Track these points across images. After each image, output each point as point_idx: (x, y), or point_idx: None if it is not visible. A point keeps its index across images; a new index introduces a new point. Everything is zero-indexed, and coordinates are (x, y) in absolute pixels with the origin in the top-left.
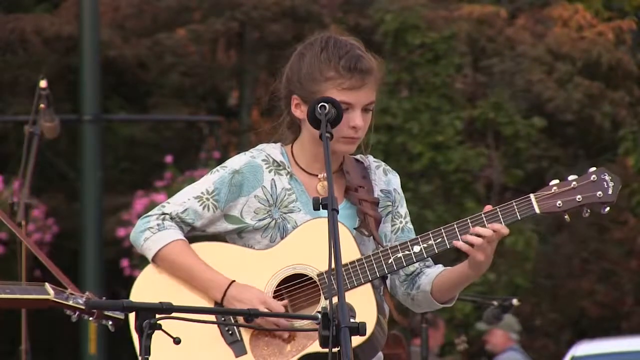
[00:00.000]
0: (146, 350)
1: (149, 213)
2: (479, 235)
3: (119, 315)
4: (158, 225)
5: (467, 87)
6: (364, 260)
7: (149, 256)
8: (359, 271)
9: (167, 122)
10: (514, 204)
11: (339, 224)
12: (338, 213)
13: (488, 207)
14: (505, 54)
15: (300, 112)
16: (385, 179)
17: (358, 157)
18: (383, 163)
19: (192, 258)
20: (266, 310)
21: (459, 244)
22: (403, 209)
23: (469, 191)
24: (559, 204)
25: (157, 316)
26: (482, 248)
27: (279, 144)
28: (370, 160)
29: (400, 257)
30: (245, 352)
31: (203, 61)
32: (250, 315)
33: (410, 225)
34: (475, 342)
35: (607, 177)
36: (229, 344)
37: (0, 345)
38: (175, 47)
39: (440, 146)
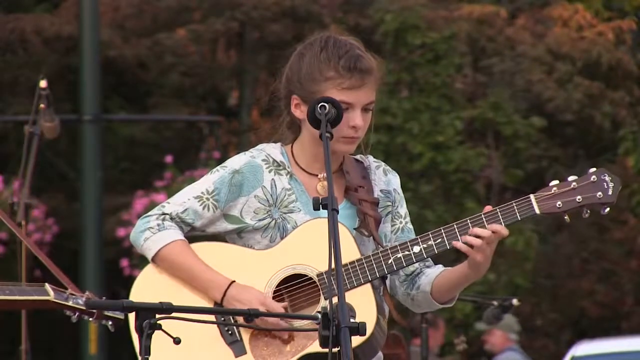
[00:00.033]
0: (146, 350)
1: (149, 213)
2: (478, 236)
3: (119, 315)
4: (158, 225)
5: (467, 87)
6: (363, 261)
7: (149, 256)
8: (359, 271)
9: (167, 122)
10: (514, 204)
11: (338, 224)
12: (338, 213)
13: (488, 208)
14: (505, 54)
15: (300, 112)
16: (385, 179)
17: (358, 157)
18: (383, 163)
19: (192, 258)
20: (266, 311)
21: (458, 244)
22: (403, 209)
23: (469, 191)
24: (559, 205)
25: (157, 316)
26: (481, 249)
27: (279, 144)
28: (370, 160)
29: (400, 257)
30: (244, 352)
31: (203, 61)
32: (250, 316)
33: (410, 226)
34: (475, 342)
35: (607, 178)
36: (229, 344)
37: (0, 345)
38: (175, 47)
39: (440, 146)
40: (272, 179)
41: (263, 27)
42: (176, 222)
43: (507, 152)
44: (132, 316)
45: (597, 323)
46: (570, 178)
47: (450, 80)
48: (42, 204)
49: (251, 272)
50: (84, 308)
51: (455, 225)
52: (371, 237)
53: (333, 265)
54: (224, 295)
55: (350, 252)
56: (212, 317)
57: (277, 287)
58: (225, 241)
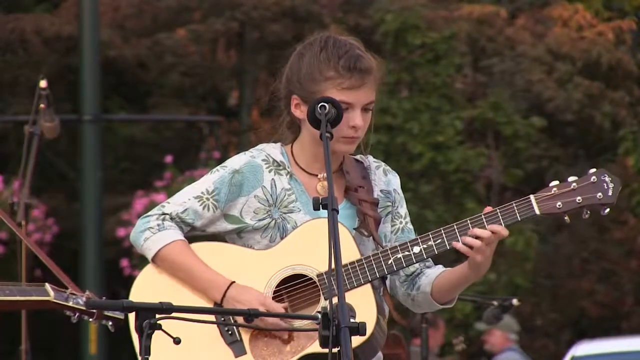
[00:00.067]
0: (146, 350)
1: (149, 213)
2: (477, 237)
3: (119, 315)
4: (158, 225)
5: (467, 87)
6: (363, 261)
7: (149, 256)
8: (359, 272)
9: (167, 122)
10: (514, 205)
11: (338, 224)
12: (338, 213)
13: (488, 209)
14: (505, 54)
15: (300, 112)
16: (385, 179)
17: (358, 157)
18: (383, 163)
19: (192, 258)
20: (266, 311)
21: (458, 245)
22: (403, 210)
23: (469, 191)
24: (559, 205)
25: (157, 316)
26: (481, 250)
27: (279, 144)
28: (370, 161)
29: (400, 257)
30: (244, 353)
31: (203, 61)
32: (250, 316)
33: (410, 226)
34: (475, 342)
35: (607, 179)
36: (229, 344)
37: (0, 345)
38: (175, 47)
39: (440, 146)
40: (272, 179)
41: (263, 27)
42: (176, 222)
43: (507, 152)
44: (132, 316)
45: (597, 323)
46: (570, 179)
47: (450, 80)
48: (42, 204)
49: (251, 273)
50: (84, 308)
51: (455, 226)
52: (371, 237)
53: (333, 266)
54: (224, 295)
55: (350, 252)
56: (212, 317)
57: (276, 287)
58: (225, 241)
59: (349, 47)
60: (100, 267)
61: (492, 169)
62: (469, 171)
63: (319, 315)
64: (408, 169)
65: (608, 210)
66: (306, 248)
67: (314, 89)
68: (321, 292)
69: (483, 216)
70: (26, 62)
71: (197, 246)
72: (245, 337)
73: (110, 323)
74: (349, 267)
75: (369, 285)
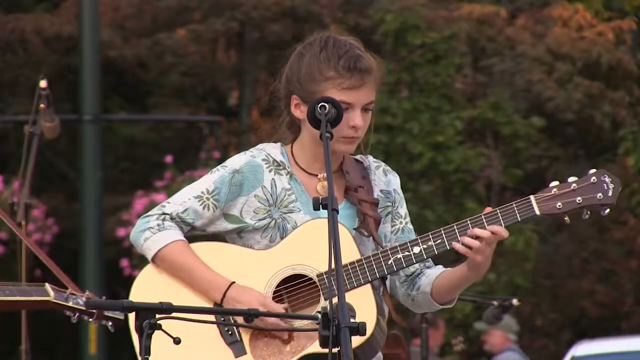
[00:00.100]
0: (146, 350)
1: (149, 213)
2: (477, 237)
3: (119, 315)
4: (158, 225)
5: (467, 87)
6: (363, 261)
7: (149, 256)
8: (359, 272)
9: (167, 122)
10: (514, 205)
11: (338, 224)
12: (338, 213)
13: (488, 209)
14: (505, 54)
15: (300, 112)
16: (385, 180)
17: (358, 157)
18: (383, 163)
19: (192, 258)
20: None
21: (457, 246)
22: (403, 210)
23: (469, 191)
24: (559, 206)
25: (157, 316)
26: (480, 250)
27: (279, 144)
28: (370, 161)
29: (400, 258)
30: (244, 353)
31: (203, 61)
32: (250, 316)
33: (410, 226)
34: (475, 342)
35: (607, 179)
36: (229, 344)
37: (0, 345)
38: (175, 47)
39: (440, 146)
40: (272, 178)
41: (263, 27)
42: (176, 222)
43: (507, 152)
44: (132, 316)
45: (597, 323)
46: (570, 179)
47: (450, 80)
48: (42, 204)
49: (251, 273)
50: (84, 308)
51: (455, 226)
52: (371, 238)
53: (333, 266)
54: (224, 296)
55: (350, 252)
56: (212, 317)
57: (276, 287)
58: (225, 241)
59: (349, 47)
60: (100, 267)
61: (492, 169)
62: (469, 171)
63: (319, 315)
64: (408, 169)
65: (608, 210)
66: (306, 248)
67: (313, 89)
68: (321, 292)
69: (483, 216)
70: (26, 62)
71: (197, 246)
72: (245, 337)
73: (110, 323)
74: (349, 267)
75: (368, 286)
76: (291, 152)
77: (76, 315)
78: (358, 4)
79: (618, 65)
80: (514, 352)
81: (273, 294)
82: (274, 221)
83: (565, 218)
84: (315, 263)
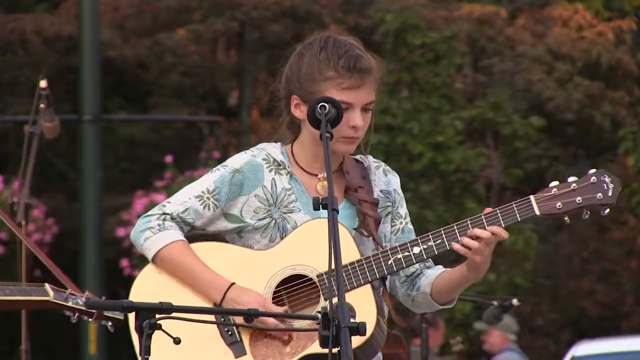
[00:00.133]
0: (146, 350)
1: (150, 212)
2: (477, 237)
3: (119, 315)
4: (159, 225)
5: (467, 87)
6: (363, 262)
7: (149, 256)
8: (359, 272)
9: (167, 122)
10: (514, 205)
11: (338, 224)
12: (338, 213)
13: (488, 210)
14: (505, 53)
15: (300, 112)
16: (385, 180)
17: (358, 157)
18: (383, 163)
19: (192, 259)
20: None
21: (456, 246)
22: (403, 210)
23: (469, 191)
24: (559, 206)
25: (157, 316)
26: (480, 251)
27: (279, 144)
28: (370, 161)
29: (400, 258)
30: (244, 353)
31: (203, 61)
32: (250, 316)
33: (410, 226)
34: (475, 342)
35: (607, 179)
36: (229, 344)
37: (0, 345)
38: (175, 47)
39: (440, 146)
40: (273, 178)
41: (263, 27)
42: (177, 222)
43: (506, 151)
44: (132, 316)
45: (597, 323)
46: (570, 179)
47: (450, 80)
48: (42, 204)
49: (251, 273)
50: (83, 308)
51: (455, 226)
52: (371, 238)
53: (333, 266)
54: (223, 297)
55: (350, 252)
56: (212, 318)
57: (276, 287)
58: (225, 241)
59: (349, 47)
60: (100, 267)
61: (492, 169)
62: (469, 171)
63: (319, 315)
64: (408, 169)
65: (608, 210)
66: (306, 248)
67: (313, 89)
68: (321, 293)
69: (483, 217)
70: (26, 62)
71: (197, 246)
72: (245, 337)
73: (109, 323)
74: (349, 267)
75: (368, 286)
76: (291, 152)
77: (76, 315)
78: (358, 4)
79: (618, 65)
80: (513, 352)
81: (273, 294)
82: (274, 221)
83: (565, 218)
84: (315, 263)
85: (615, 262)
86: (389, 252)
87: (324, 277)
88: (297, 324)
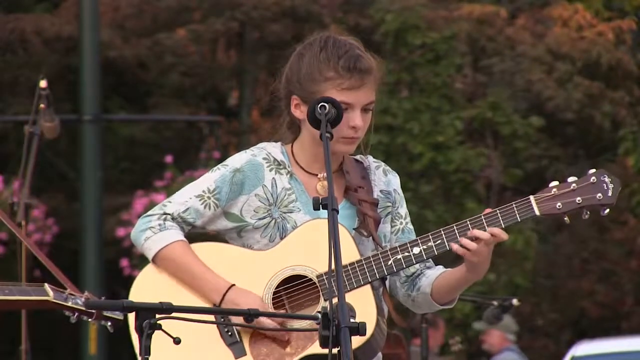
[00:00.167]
0: (146, 350)
1: (150, 212)
2: (477, 238)
3: (118, 315)
4: (159, 225)
5: (467, 87)
6: (363, 262)
7: (149, 256)
8: (359, 273)
9: (167, 122)
10: (514, 205)
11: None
12: (338, 213)
13: (488, 210)
14: (505, 53)
15: (300, 112)
16: (385, 180)
17: (358, 157)
18: (383, 163)
19: (193, 259)
20: (265, 320)
21: (455, 247)
22: (403, 210)
23: (469, 191)
24: (559, 206)
25: (157, 316)
26: (478, 252)
27: (279, 143)
28: (370, 161)
29: (400, 258)
30: (244, 354)
31: (203, 61)
32: (250, 316)
33: (410, 226)
34: (475, 342)
35: (606, 179)
36: (229, 345)
37: (0, 345)
38: (175, 47)
39: (440, 146)
40: (273, 177)
41: (263, 27)
42: (177, 222)
43: (506, 151)
44: (132, 316)
45: (597, 323)
46: (570, 179)
47: (450, 80)
48: (42, 204)
49: (251, 273)
50: (83, 308)
51: (455, 227)
52: (370, 238)
53: (333, 267)
54: (223, 298)
55: (349, 253)
56: (212, 318)
57: (276, 288)
58: (225, 241)
59: (349, 47)
60: (100, 267)
61: (492, 169)
62: (469, 171)
63: (319, 315)
64: (408, 169)
65: (608, 210)
66: (306, 249)
67: (313, 89)
68: (321, 293)
69: (483, 217)
70: (26, 62)
71: (197, 247)
72: (245, 338)
73: (109, 323)
74: (349, 268)
75: (368, 287)
76: (291, 152)
77: (75, 315)
78: (358, 4)
79: (618, 65)
80: (512, 352)
81: (273, 295)
82: (273, 221)
83: (565, 218)
84: (315, 264)
85: (615, 262)
86: (388, 253)
87: (324, 277)
88: (297, 324)
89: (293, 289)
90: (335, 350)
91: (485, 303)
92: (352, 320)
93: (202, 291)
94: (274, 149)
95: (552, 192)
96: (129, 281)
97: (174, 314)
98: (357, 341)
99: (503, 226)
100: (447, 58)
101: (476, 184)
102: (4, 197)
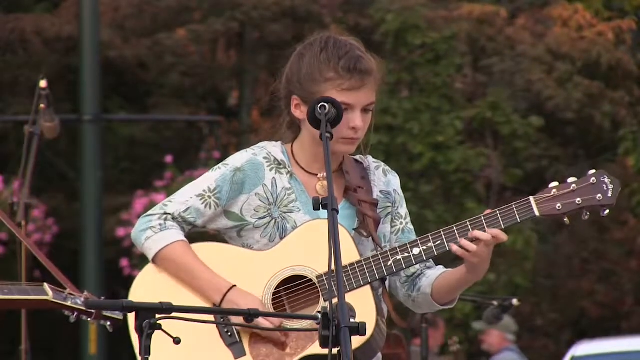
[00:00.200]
0: (146, 350)
1: (151, 212)
2: (477, 239)
3: (117, 315)
4: (160, 225)
5: (467, 87)
6: (363, 263)
7: (150, 256)
8: (359, 273)
9: (167, 122)
10: (514, 206)
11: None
12: (338, 213)
13: (488, 211)
14: (505, 53)
15: (300, 112)
16: (385, 180)
17: (357, 157)
18: (383, 164)
19: (193, 259)
20: (264, 321)
21: (454, 248)
22: (403, 210)
23: (469, 191)
24: (559, 207)
25: (157, 316)
26: (477, 253)
27: (279, 143)
28: (370, 161)
29: (400, 259)
30: (244, 354)
31: (203, 61)
32: (250, 316)
33: (410, 226)
34: (475, 342)
35: (606, 180)
36: (228, 345)
37: (0, 345)
38: (175, 47)
39: (440, 146)
40: (273, 177)
41: (263, 27)
42: (178, 221)
43: (506, 151)
44: (132, 316)
45: (597, 323)
46: (570, 180)
47: (450, 80)
48: (42, 204)
49: (251, 274)
50: (82, 308)
51: (454, 227)
52: (370, 238)
53: (333, 267)
54: (223, 298)
55: (349, 253)
56: (212, 318)
57: (276, 288)
58: (225, 241)
59: (349, 48)
60: (100, 267)
61: (492, 169)
62: (469, 171)
63: (319, 316)
64: (408, 169)
65: (608, 211)
66: (306, 249)
67: (314, 90)
68: (321, 294)
69: (483, 218)
70: (26, 62)
71: (197, 247)
72: (245, 338)
73: (108, 323)
74: (349, 268)
75: (368, 287)
76: (291, 152)
77: (75, 315)
78: (358, 4)
79: (618, 65)
80: (512, 352)
81: (272, 295)
82: (273, 220)
83: (565, 219)
84: (315, 264)
85: (615, 262)
86: (388, 254)
87: (324, 278)
88: (297, 324)
89: (293, 289)
90: (335, 351)
91: (485, 303)
92: (352, 320)
93: (202, 291)
94: (274, 148)
95: (552, 193)
96: (129, 281)
97: (174, 314)
98: (357, 341)
99: (503, 227)
100: (447, 58)
101: (476, 184)
102: (4, 197)
